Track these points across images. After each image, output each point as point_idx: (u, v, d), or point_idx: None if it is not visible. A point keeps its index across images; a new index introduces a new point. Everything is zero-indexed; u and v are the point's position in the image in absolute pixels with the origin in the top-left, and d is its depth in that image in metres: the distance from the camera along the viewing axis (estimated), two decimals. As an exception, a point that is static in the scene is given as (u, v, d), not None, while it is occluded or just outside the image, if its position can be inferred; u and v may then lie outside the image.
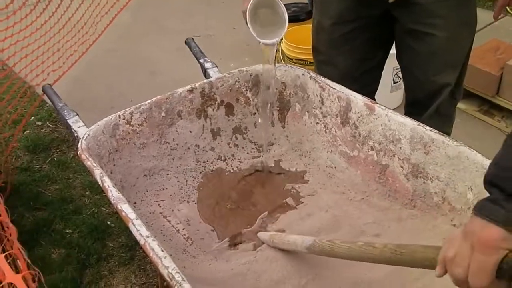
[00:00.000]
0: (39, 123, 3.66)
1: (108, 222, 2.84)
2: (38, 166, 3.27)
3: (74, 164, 3.27)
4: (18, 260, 1.57)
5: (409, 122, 1.79)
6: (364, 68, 2.29)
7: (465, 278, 0.99)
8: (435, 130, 1.73)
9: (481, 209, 0.98)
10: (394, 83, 3.54)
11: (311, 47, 2.41)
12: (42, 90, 2.19)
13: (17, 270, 1.37)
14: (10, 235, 1.69)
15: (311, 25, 3.78)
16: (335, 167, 2.06)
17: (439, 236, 1.69)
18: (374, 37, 2.23)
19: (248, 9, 1.94)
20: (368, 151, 1.93)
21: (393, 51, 3.29)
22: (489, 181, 1.01)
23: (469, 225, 0.99)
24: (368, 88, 2.32)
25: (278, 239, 1.79)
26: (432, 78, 2.18)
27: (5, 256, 1.39)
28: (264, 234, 1.86)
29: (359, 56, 2.26)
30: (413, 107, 2.35)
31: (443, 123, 2.27)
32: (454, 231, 1.08)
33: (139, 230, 1.45)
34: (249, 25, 1.95)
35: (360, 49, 2.25)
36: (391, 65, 3.44)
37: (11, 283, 1.28)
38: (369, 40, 2.23)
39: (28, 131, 3.56)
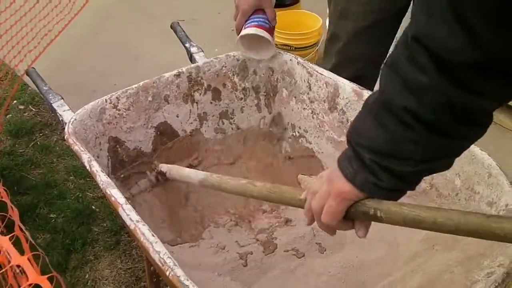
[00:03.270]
0: (22, 107, 3.62)
1: (93, 207, 2.83)
2: (21, 150, 3.24)
3: (57, 148, 3.24)
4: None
5: (397, 108, 1.79)
6: (382, 58, 2.32)
7: (318, 212, 1.13)
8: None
9: (339, 161, 1.08)
10: (379, 69, 3.54)
11: (327, 35, 2.39)
12: (27, 74, 2.16)
13: (21, 252, 1.37)
14: (11, 216, 1.69)
15: (296, 10, 3.78)
16: (322, 152, 2.06)
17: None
18: (396, 26, 2.26)
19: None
20: (356, 137, 1.93)
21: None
22: (347, 138, 1.07)
23: (332, 171, 1.09)
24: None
25: (175, 171, 1.90)
26: None
27: (10, 238, 1.39)
28: (164, 165, 1.96)
29: (380, 45, 2.29)
30: None
31: None
32: (325, 170, 1.19)
33: (129, 214, 1.44)
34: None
35: (382, 39, 2.28)
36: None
37: (18, 265, 1.28)
38: (393, 30, 2.27)
39: (10, 115, 3.52)
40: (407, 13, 2.21)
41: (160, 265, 1.31)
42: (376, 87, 1.40)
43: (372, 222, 1.15)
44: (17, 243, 1.47)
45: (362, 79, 2.26)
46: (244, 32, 1.98)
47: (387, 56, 1.00)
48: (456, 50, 0.85)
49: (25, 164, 3.12)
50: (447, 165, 1.04)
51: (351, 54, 2.30)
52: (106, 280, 2.49)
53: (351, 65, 2.29)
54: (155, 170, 1.99)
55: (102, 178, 1.59)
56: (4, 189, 1.80)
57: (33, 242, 1.54)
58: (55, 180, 3.01)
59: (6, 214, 1.67)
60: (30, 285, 1.27)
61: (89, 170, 1.64)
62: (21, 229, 1.57)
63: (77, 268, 2.53)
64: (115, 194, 1.52)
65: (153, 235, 1.38)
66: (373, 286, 1.60)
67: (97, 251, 2.62)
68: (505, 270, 1.27)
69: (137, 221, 1.42)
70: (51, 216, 2.79)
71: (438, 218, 0.98)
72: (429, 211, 1.00)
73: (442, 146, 0.97)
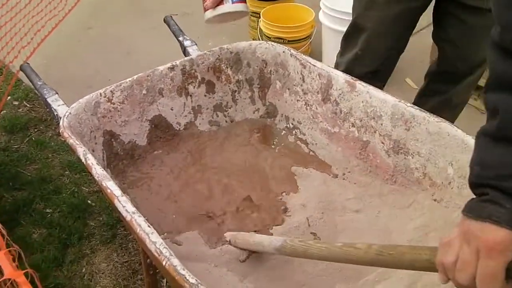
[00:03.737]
0: (16, 103, 3.63)
1: (89, 201, 2.84)
2: (16, 146, 3.25)
3: (52, 143, 3.25)
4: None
5: (390, 99, 1.80)
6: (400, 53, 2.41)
7: (471, 282, 0.95)
8: (416, 107, 1.75)
9: (479, 212, 0.94)
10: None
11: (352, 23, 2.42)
12: (21, 69, 2.17)
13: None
14: None
15: (289, 3, 3.79)
16: (316, 143, 2.07)
17: (419, 211, 1.73)
18: (417, 19, 2.31)
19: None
20: (349, 128, 1.95)
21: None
22: (478, 184, 0.97)
23: (468, 228, 0.95)
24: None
25: (241, 239, 1.71)
26: (479, 52, 2.24)
27: None
28: (228, 234, 1.78)
29: (402, 39, 2.37)
30: (443, 76, 2.48)
31: (467, 93, 2.54)
32: (449, 234, 1.01)
33: (125, 206, 1.45)
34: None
35: (405, 32, 2.35)
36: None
37: None
38: (414, 23, 2.32)
39: (4, 111, 3.52)
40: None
41: (157, 255, 1.32)
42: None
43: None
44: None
45: (378, 73, 2.34)
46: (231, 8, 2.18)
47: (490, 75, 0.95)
48: None
49: (20, 159, 3.13)
50: None
51: (376, 45, 2.34)
52: (102, 273, 2.50)
53: (374, 58, 2.35)
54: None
55: (98, 171, 1.60)
56: None
57: (9, 238, 1.53)
58: (51, 175, 3.02)
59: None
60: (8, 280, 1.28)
61: (84, 163, 1.65)
62: None
63: (73, 262, 2.55)
64: (111, 186, 1.53)
65: (149, 226, 1.39)
66: (368, 275, 1.62)
67: (94, 245, 2.63)
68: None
69: (133, 213, 1.43)
70: (47, 211, 2.80)
71: None
72: None
73: None
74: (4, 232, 1.61)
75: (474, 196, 0.99)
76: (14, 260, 1.48)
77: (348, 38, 2.43)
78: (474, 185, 0.97)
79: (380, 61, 2.35)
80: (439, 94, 2.49)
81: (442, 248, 1.01)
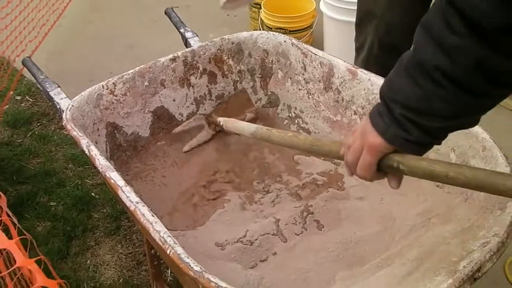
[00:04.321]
0: (18, 98, 3.63)
1: (93, 194, 2.85)
2: (19, 141, 3.25)
3: (55, 137, 3.26)
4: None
5: (391, 85, 1.80)
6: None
7: (354, 165, 1.20)
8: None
9: (372, 117, 1.13)
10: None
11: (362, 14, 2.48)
12: (22, 63, 2.18)
13: (9, 238, 1.38)
14: None
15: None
16: (319, 132, 2.08)
17: (422, 198, 1.73)
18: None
19: None
20: (351, 116, 1.95)
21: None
22: (380, 94, 1.13)
23: (364, 125, 1.15)
24: None
25: (230, 124, 1.98)
26: None
27: None
28: (221, 118, 2.04)
29: (414, 13, 2.35)
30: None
31: None
32: (358, 124, 1.28)
33: (129, 196, 1.46)
34: None
35: (416, 7, 2.31)
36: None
37: (5, 249, 1.29)
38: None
39: (7, 106, 3.52)
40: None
41: (161, 244, 1.33)
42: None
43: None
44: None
45: (398, 47, 2.33)
46: None
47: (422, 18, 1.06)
48: (488, 14, 0.89)
49: (23, 153, 3.13)
50: (474, 123, 1.09)
51: (387, 23, 2.35)
52: (107, 265, 2.51)
53: (389, 34, 2.37)
54: (213, 123, 2.10)
55: (101, 162, 1.60)
56: None
57: (20, 227, 1.55)
58: (54, 168, 3.03)
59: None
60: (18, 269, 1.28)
61: (88, 154, 1.65)
62: (8, 215, 1.58)
63: (78, 254, 2.56)
64: (114, 177, 1.54)
65: (152, 215, 1.40)
66: (371, 261, 1.62)
67: (98, 237, 2.64)
68: (499, 239, 1.29)
69: (137, 202, 1.44)
70: (51, 204, 2.81)
71: (450, 172, 1.06)
72: (443, 166, 1.08)
73: (470, 105, 1.02)
74: (15, 220, 1.62)
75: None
76: (26, 249, 1.50)
77: (360, 27, 2.50)
78: (379, 94, 1.14)
79: (396, 36, 2.36)
80: None
81: (350, 132, 1.32)
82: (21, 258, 1.26)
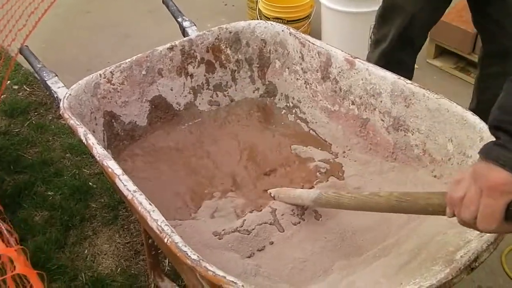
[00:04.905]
0: (16, 87, 3.62)
1: (90, 183, 2.85)
2: (16, 130, 3.25)
3: (53, 126, 3.25)
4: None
5: (390, 76, 1.80)
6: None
7: (473, 219, 1.02)
8: (416, 84, 1.75)
9: (488, 153, 0.99)
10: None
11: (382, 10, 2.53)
12: (20, 52, 2.17)
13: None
14: None
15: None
16: (316, 122, 2.07)
17: (419, 188, 1.73)
18: None
19: None
20: (349, 106, 1.95)
21: (370, 8, 3.31)
22: (495, 126, 1.02)
23: (477, 168, 1.01)
24: None
25: (284, 194, 1.82)
26: None
27: None
28: (272, 190, 1.88)
29: (438, 11, 2.44)
30: (495, 58, 2.52)
31: None
32: (461, 173, 1.08)
33: (126, 185, 1.46)
34: None
35: (441, 7, 2.40)
36: (368, 23, 3.45)
37: None
38: None
39: (4, 95, 3.51)
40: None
41: (158, 232, 1.33)
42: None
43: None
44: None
45: (414, 41, 2.48)
46: None
47: None
48: None
49: (21, 143, 3.13)
50: None
51: (413, 16, 2.38)
52: (105, 254, 2.51)
53: (410, 27, 2.43)
54: None
55: (99, 151, 1.60)
56: None
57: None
58: (52, 158, 3.02)
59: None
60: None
61: (85, 143, 1.65)
62: None
63: (76, 244, 2.56)
64: (112, 166, 1.53)
65: (150, 204, 1.40)
66: (368, 251, 1.63)
67: (95, 226, 2.64)
68: (497, 229, 1.29)
69: (134, 191, 1.44)
70: (49, 193, 2.80)
71: None
72: None
73: None
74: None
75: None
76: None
77: (384, 20, 2.53)
78: (491, 127, 1.03)
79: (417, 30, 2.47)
80: (496, 75, 2.52)
81: (453, 184, 1.07)
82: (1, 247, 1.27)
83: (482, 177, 0.98)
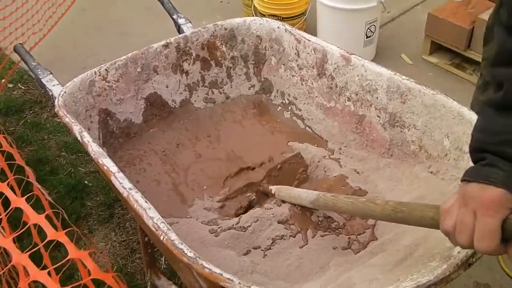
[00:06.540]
0: (11, 85, 3.62)
1: (86, 181, 2.84)
2: (11, 129, 3.24)
3: (48, 125, 3.24)
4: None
5: (386, 72, 1.80)
6: None
7: (470, 243, 1.01)
8: (412, 79, 1.74)
9: (477, 175, 1.00)
10: (367, 37, 3.55)
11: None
12: (14, 50, 2.16)
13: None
14: (28, 177, 1.72)
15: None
16: (312, 118, 2.07)
17: (416, 184, 1.73)
18: None
19: None
20: (345, 102, 1.94)
21: (365, 5, 3.31)
22: (478, 148, 1.04)
23: (467, 191, 1.01)
24: None
25: (284, 192, 1.82)
26: None
27: (28, 198, 1.41)
28: (273, 187, 1.88)
29: None
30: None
31: None
32: (446, 203, 1.08)
33: (122, 182, 1.45)
34: None
35: None
36: (364, 19, 3.46)
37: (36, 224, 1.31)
38: None
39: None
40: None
41: (154, 230, 1.32)
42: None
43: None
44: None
45: None
46: None
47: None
48: None
49: (16, 141, 3.11)
50: None
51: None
52: (101, 253, 2.51)
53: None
54: (264, 192, 1.93)
55: (94, 148, 1.59)
56: (18, 152, 1.83)
57: (51, 200, 1.57)
58: (47, 156, 3.02)
59: (22, 177, 1.68)
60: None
61: (80, 141, 1.65)
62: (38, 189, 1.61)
63: (78, 239, 2.54)
64: (107, 163, 1.53)
65: (146, 202, 1.39)
66: (365, 247, 1.63)
67: (91, 225, 2.63)
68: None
69: (130, 189, 1.43)
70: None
71: None
72: None
73: None
74: (45, 194, 1.64)
75: (473, 165, 1.05)
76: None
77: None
78: (475, 150, 1.04)
79: None
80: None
81: (442, 216, 1.08)
82: (52, 232, 1.28)
83: (475, 198, 0.99)
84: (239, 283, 1.18)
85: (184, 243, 1.28)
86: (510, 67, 0.98)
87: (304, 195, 1.70)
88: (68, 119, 1.71)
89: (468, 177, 1.02)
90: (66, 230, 1.30)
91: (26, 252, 1.27)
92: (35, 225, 1.35)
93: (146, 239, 2.12)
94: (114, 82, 1.97)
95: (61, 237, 1.28)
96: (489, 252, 1.00)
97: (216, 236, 1.73)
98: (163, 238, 1.30)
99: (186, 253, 1.25)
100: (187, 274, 1.39)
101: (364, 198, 1.43)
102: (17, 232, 1.40)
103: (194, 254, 1.25)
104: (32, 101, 3.48)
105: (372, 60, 3.55)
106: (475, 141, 1.04)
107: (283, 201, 1.82)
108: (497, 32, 1.00)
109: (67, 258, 1.25)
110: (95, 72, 1.93)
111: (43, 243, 1.34)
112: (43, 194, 1.60)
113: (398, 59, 3.74)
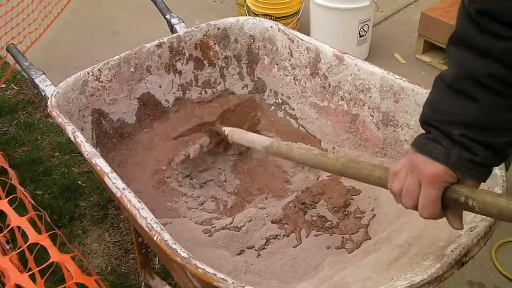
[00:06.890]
0: (3, 86, 3.59)
1: (79, 182, 2.83)
2: (4, 129, 3.23)
3: (41, 125, 3.23)
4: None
5: (379, 71, 1.80)
6: None
7: (415, 207, 1.11)
8: (405, 78, 1.75)
9: (422, 147, 1.07)
10: (360, 36, 3.55)
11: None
12: (7, 50, 2.15)
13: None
14: (11, 180, 1.71)
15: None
16: (306, 118, 2.07)
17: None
18: None
19: None
20: (338, 101, 1.95)
21: (358, 4, 3.31)
22: (425, 121, 1.09)
23: (413, 161, 1.08)
24: None
25: (238, 135, 1.85)
26: None
27: (11, 201, 1.41)
28: (227, 128, 1.92)
29: None
30: None
31: None
32: (397, 164, 1.15)
33: (115, 183, 1.45)
34: None
35: None
36: (357, 19, 3.46)
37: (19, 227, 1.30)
38: None
39: (-8, 94, 3.50)
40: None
41: (148, 230, 1.32)
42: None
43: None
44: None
45: None
46: None
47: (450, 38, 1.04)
48: None
49: (9, 142, 3.11)
50: None
51: None
52: (95, 253, 2.50)
53: None
54: (217, 132, 1.99)
55: (87, 149, 1.59)
56: (2, 154, 1.82)
57: (33, 202, 1.56)
58: (40, 157, 3.00)
59: (5, 179, 1.68)
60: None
61: (73, 141, 1.64)
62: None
63: (65, 243, 2.54)
64: (101, 164, 1.52)
65: (139, 202, 1.39)
66: (359, 246, 1.63)
67: (85, 225, 2.63)
68: (487, 224, 1.29)
69: (123, 189, 1.43)
70: (38, 192, 2.79)
71: None
72: None
73: None
74: (28, 197, 1.63)
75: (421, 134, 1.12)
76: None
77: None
78: (422, 123, 1.09)
79: None
80: None
81: (391, 177, 1.17)
82: (33, 235, 1.27)
83: (419, 170, 1.06)
84: (233, 283, 1.18)
85: (178, 243, 1.28)
86: (461, 49, 1.00)
87: (258, 140, 1.74)
88: (61, 119, 1.70)
89: (416, 146, 1.08)
90: (49, 233, 1.29)
91: (8, 255, 1.26)
92: (19, 228, 1.33)
93: (140, 240, 2.11)
94: (107, 82, 1.96)
95: (44, 240, 1.27)
96: (432, 217, 1.10)
97: (209, 236, 1.73)
98: (157, 238, 1.30)
99: (179, 253, 1.25)
100: (181, 274, 1.39)
101: (316, 151, 1.48)
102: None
103: (188, 254, 1.25)
104: (25, 101, 3.46)
105: (365, 59, 3.55)
106: (424, 115, 1.09)
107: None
108: (459, 14, 1.03)
109: (49, 262, 1.24)
110: (88, 72, 1.92)
111: (25, 245, 1.33)
112: (26, 197, 1.60)
113: (391, 58, 3.74)
